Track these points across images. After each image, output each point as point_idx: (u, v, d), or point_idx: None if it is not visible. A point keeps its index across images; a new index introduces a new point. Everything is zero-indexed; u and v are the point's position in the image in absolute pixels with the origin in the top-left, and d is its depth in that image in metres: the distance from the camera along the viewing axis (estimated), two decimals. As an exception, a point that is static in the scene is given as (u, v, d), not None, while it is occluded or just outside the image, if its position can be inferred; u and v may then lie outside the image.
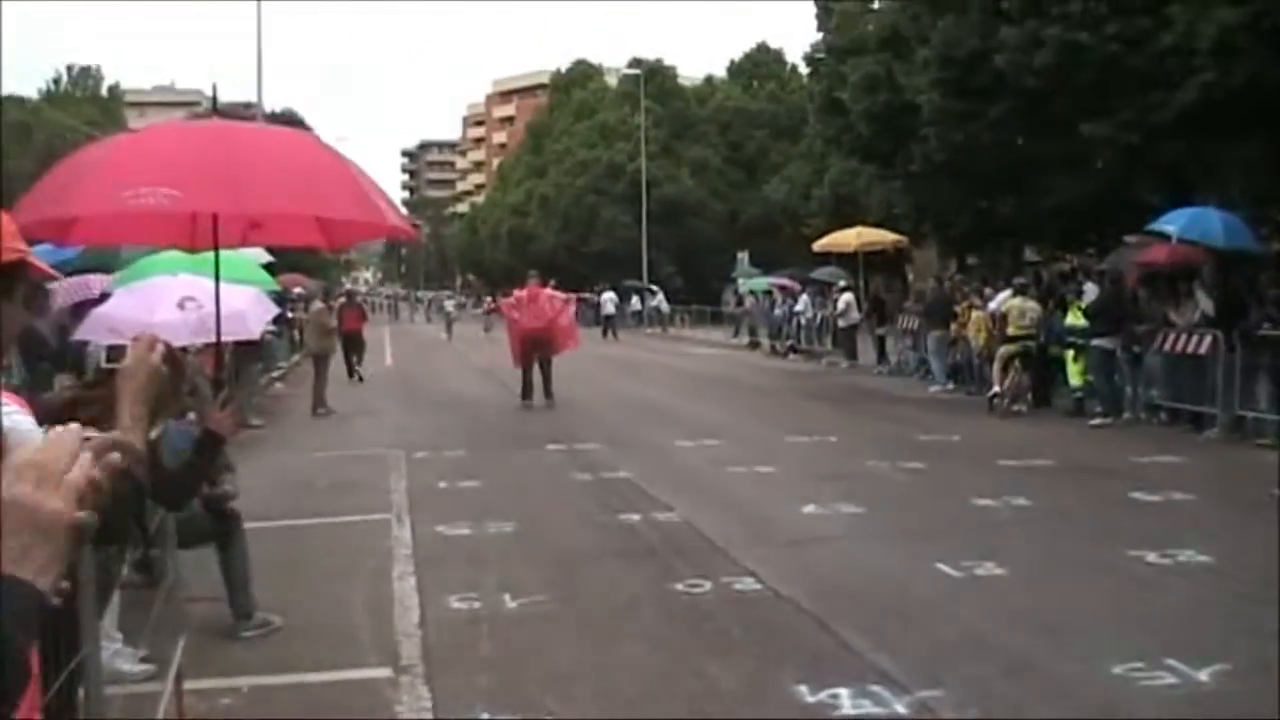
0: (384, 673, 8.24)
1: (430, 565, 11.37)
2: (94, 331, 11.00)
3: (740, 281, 58.36)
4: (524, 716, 7.29)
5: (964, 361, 28.85)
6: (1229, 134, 24.25)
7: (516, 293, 27.07)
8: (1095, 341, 22.53)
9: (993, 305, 26.69)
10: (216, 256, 7.56)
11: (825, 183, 57.16)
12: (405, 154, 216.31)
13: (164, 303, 10.98)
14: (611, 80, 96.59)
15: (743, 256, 65.14)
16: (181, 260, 10.82)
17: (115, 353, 3.75)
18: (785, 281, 47.83)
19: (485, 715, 7.33)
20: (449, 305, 70.98)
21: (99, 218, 6.94)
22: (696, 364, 40.56)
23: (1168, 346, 21.40)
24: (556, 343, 26.00)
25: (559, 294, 28.39)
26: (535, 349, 25.66)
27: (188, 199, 6.53)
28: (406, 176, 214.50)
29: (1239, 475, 16.73)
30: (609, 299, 63.81)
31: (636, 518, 13.53)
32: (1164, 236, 23.59)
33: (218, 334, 7.60)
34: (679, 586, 10.38)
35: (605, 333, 57.94)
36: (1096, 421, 21.91)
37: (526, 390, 25.80)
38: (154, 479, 3.68)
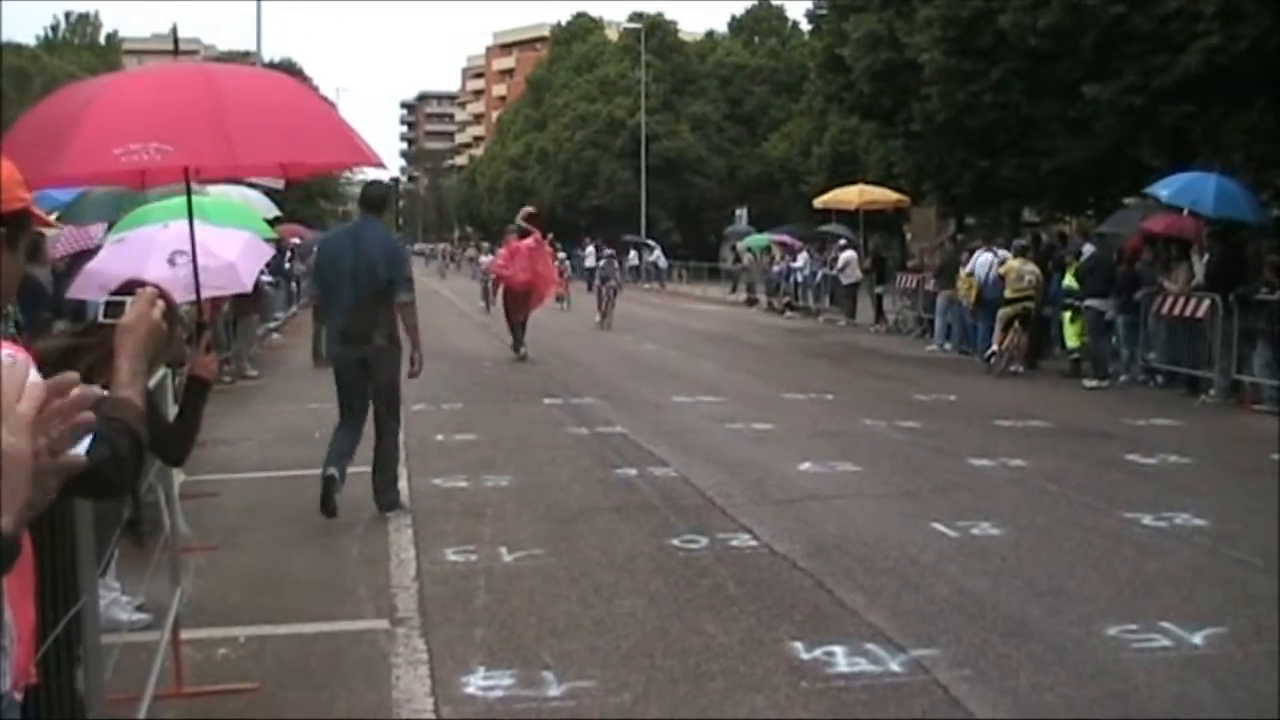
0: (380, 624, 8.25)
1: (427, 518, 11.37)
2: (86, 290, 10.91)
3: (738, 242, 58.38)
4: (520, 669, 7.30)
5: (955, 321, 28.94)
6: (1232, 99, 24.20)
7: (500, 252, 27.32)
8: (1088, 303, 22.54)
9: (974, 267, 26.76)
10: (190, 209, 7.58)
11: (825, 140, 57.14)
12: (404, 105, 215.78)
13: (154, 258, 10.88)
14: (612, 34, 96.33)
15: (740, 214, 65.22)
16: (172, 208, 10.76)
17: (112, 309, 3.71)
18: (785, 238, 47.76)
19: (481, 668, 7.33)
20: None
21: (87, 175, 6.88)
22: (694, 320, 40.56)
23: (1165, 310, 21.40)
24: (537, 293, 26.13)
25: (534, 244, 28.30)
26: (520, 302, 25.70)
27: (179, 153, 6.49)
28: (405, 128, 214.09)
29: (1235, 439, 16.75)
30: (590, 253, 64.22)
31: (633, 473, 13.54)
32: (1162, 203, 23.59)
33: (196, 281, 7.53)
34: (675, 542, 10.38)
35: (590, 287, 58.22)
36: (1090, 383, 21.94)
37: (517, 344, 25.86)
38: (151, 433, 3.65)
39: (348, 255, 11.52)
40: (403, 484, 12.80)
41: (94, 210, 14.16)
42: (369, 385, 11.50)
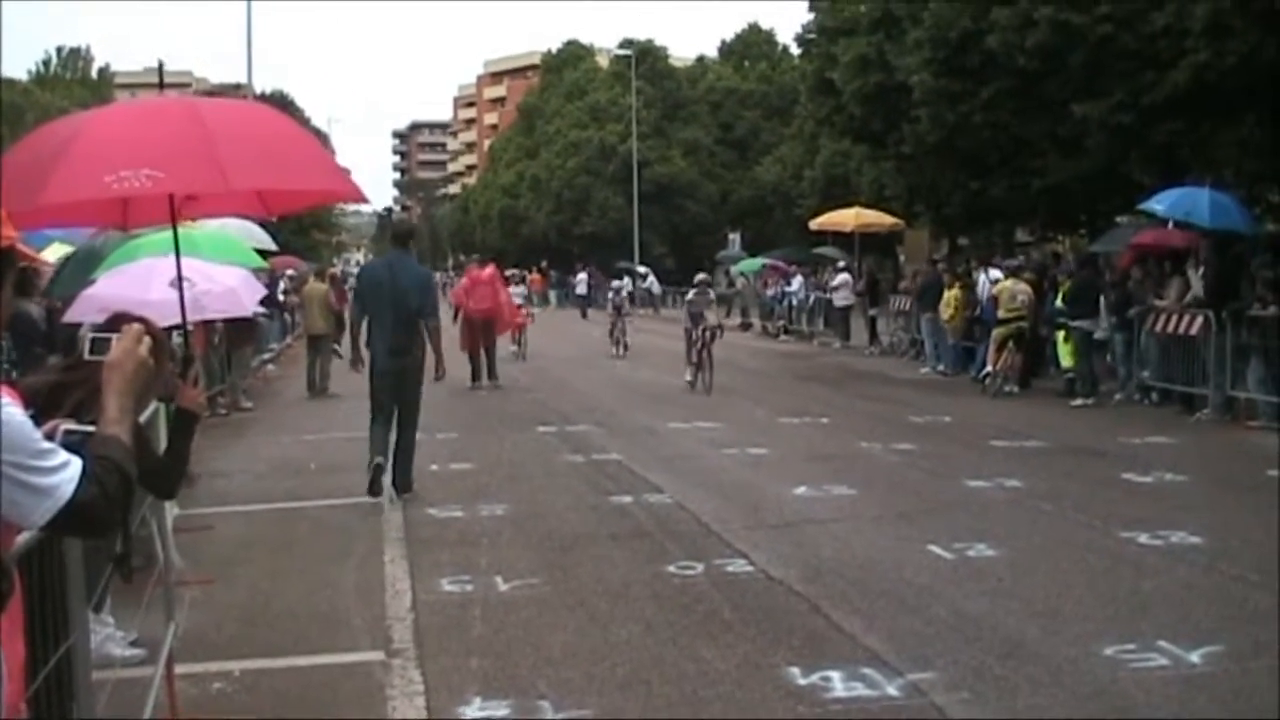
0: (376, 656, 8.23)
1: (422, 548, 11.36)
2: (84, 313, 10.95)
3: (731, 267, 58.61)
4: (516, 699, 7.28)
5: (941, 342, 29.13)
6: (1222, 114, 24.25)
7: (461, 281, 27.47)
8: (1074, 323, 22.61)
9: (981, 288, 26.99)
10: (175, 235, 7.58)
11: (817, 163, 57.20)
12: (396, 135, 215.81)
13: (157, 282, 10.95)
14: (603, 61, 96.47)
15: (734, 238, 65.29)
16: (164, 241, 10.78)
17: (98, 345, 3.70)
18: (778, 263, 47.88)
19: (477, 698, 7.32)
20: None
21: (72, 204, 6.87)
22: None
23: (1159, 328, 21.42)
24: (501, 323, 26.39)
25: (498, 273, 28.62)
26: (481, 332, 25.76)
27: (170, 179, 6.49)
28: (398, 158, 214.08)
29: (1231, 456, 16.74)
30: (581, 280, 65.04)
31: (628, 499, 13.54)
32: (1156, 217, 23.72)
33: (182, 309, 7.56)
34: (671, 569, 10.38)
35: (584, 314, 59.40)
36: (1077, 402, 21.98)
37: (475, 373, 25.92)
38: (142, 467, 3.65)
39: (386, 284, 13.78)
40: (397, 515, 12.82)
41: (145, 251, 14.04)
42: (401, 390, 13.72)
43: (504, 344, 24.56)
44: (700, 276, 28.17)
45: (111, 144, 6.57)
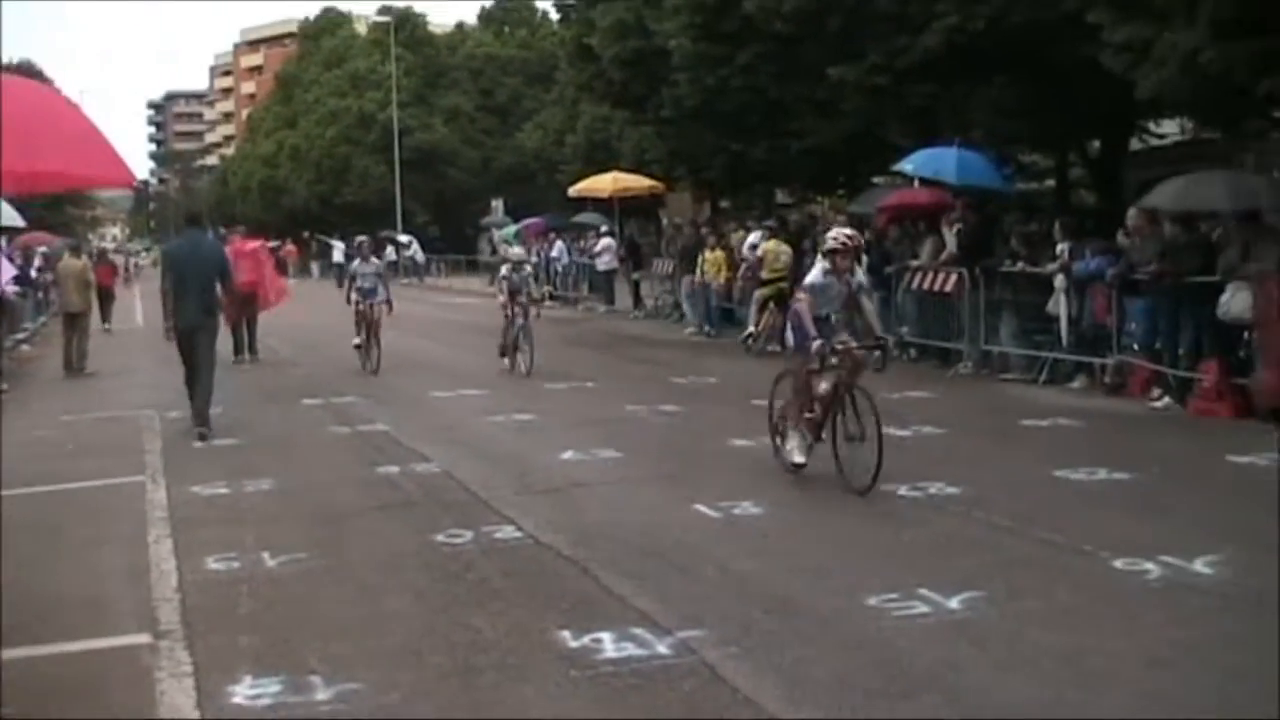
0: (143, 639, 8.02)
1: (187, 527, 11.09)
2: None
3: (495, 232, 58.46)
4: (288, 675, 7.19)
5: (701, 303, 29.63)
6: (973, 77, 24.81)
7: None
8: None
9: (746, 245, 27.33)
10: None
11: (578, 129, 57.25)
12: (151, 105, 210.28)
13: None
14: (361, 28, 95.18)
15: (497, 204, 65.05)
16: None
17: None
18: (533, 221, 48.04)
19: (248, 676, 7.20)
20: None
21: None
22: (453, 313, 40.41)
23: (915, 285, 21.95)
24: (263, 298, 25.84)
25: (261, 245, 28.22)
26: (243, 305, 25.20)
27: None
28: (154, 129, 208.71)
29: (986, 409, 17.28)
30: (339, 248, 64.22)
31: (395, 470, 13.43)
32: (907, 178, 24.35)
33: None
34: (440, 538, 10.32)
35: (341, 284, 58.58)
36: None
37: (238, 346, 25.41)
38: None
39: (189, 259, 16.65)
40: (160, 493, 12.54)
41: None
42: (203, 342, 16.41)
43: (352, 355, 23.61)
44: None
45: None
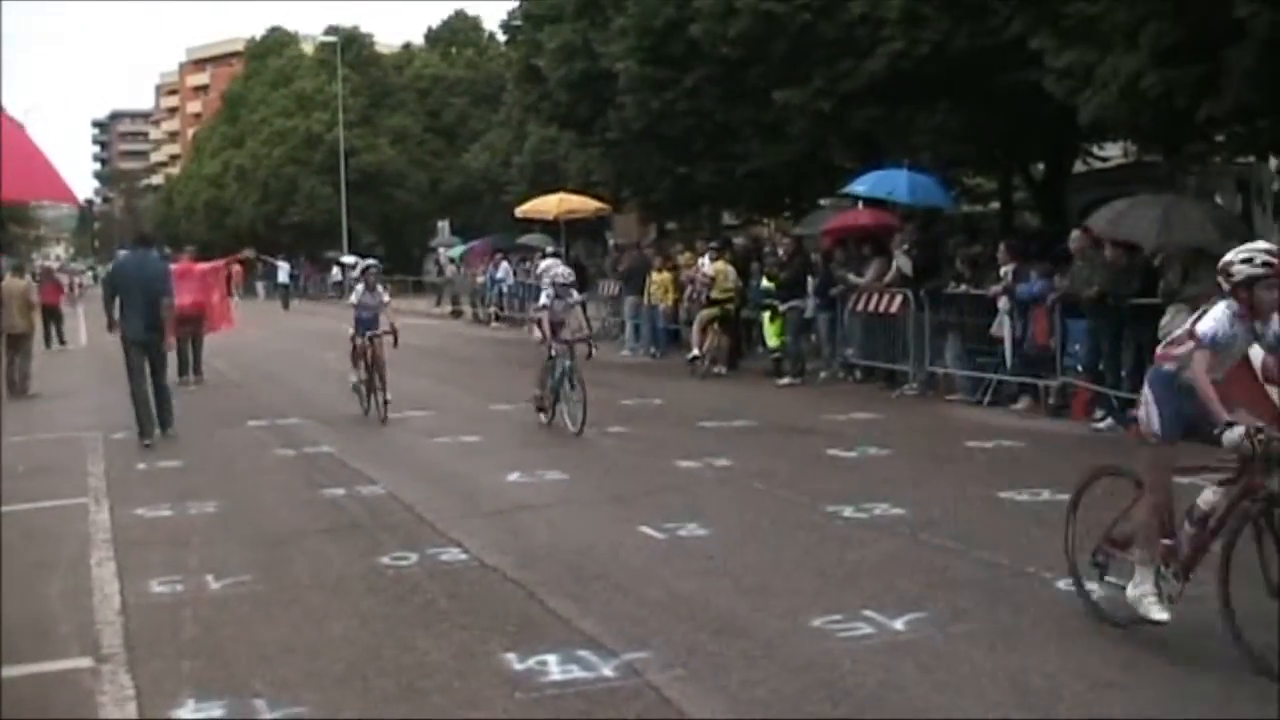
0: (84, 663, 7.95)
1: (130, 549, 11.02)
2: None
3: (441, 251, 58.38)
4: (231, 699, 7.14)
5: (645, 325, 29.69)
6: (917, 101, 24.96)
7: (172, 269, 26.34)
8: (791, 304, 23.14)
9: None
10: None
11: (525, 150, 57.21)
12: (96, 124, 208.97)
13: None
14: (308, 48, 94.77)
15: (443, 225, 64.99)
16: None
17: None
18: (476, 244, 48.02)
19: (191, 700, 7.15)
20: None
21: None
22: (400, 334, 40.19)
23: (860, 307, 22.05)
24: (210, 321, 25.68)
25: (210, 266, 28.00)
26: (189, 326, 25.01)
27: None
28: (98, 148, 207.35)
29: (931, 429, 17.37)
30: (283, 269, 64.29)
31: (341, 492, 13.38)
32: (856, 200, 24.49)
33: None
34: (385, 560, 10.29)
35: (286, 305, 60.25)
36: (784, 381, 22.53)
37: (183, 367, 25.19)
38: None
39: (135, 275, 18.00)
40: (103, 515, 12.44)
41: None
42: (152, 351, 17.70)
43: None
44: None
45: None
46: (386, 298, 20.18)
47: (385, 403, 19.03)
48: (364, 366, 19.61)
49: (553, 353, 17.76)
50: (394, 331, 19.52)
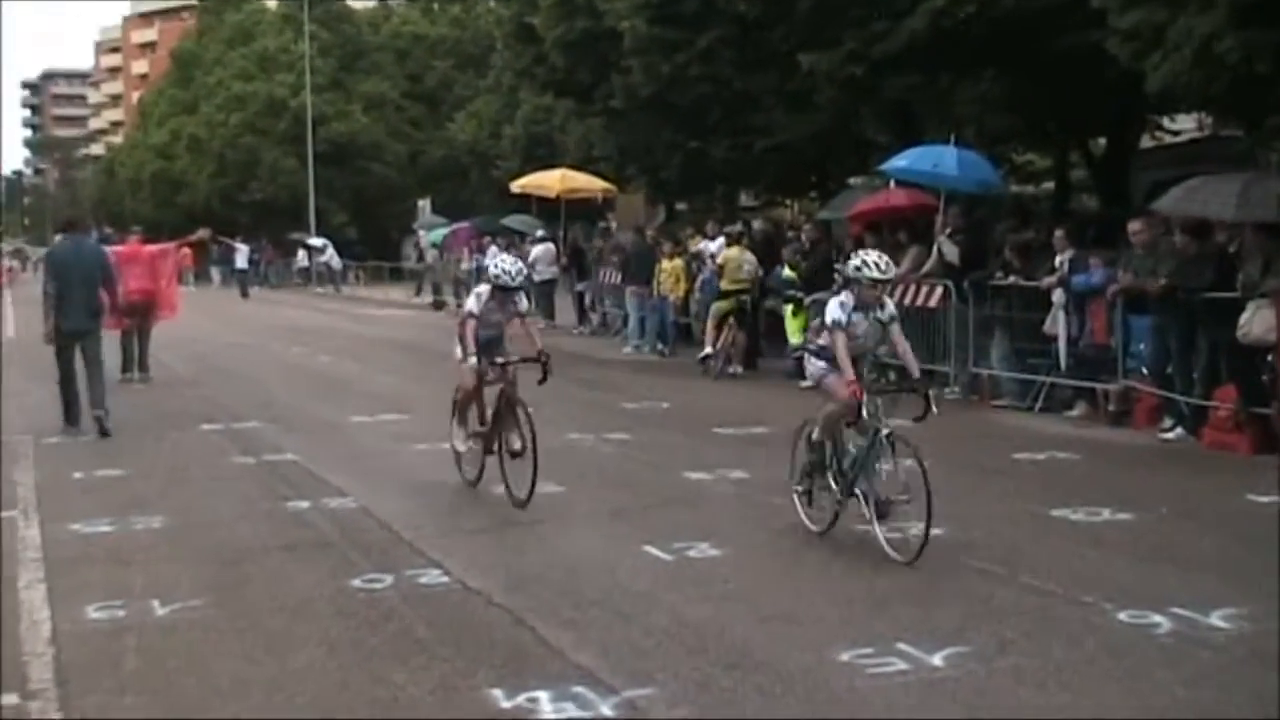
0: (10, 699, 7.91)
1: (64, 570, 10.98)
2: None
3: (421, 234, 58.20)
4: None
5: (651, 319, 29.59)
6: (960, 67, 24.90)
7: (115, 250, 26.07)
8: (814, 296, 23.04)
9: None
10: None
11: (517, 120, 57.20)
12: (26, 86, 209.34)
13: None
14: (271, 2, 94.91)
15: (424, 204, 64.84)
16: None
17: None
18: (461, 226, 47.97)
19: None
20: None
21: None
22: (374, 327, 40.33)
23: (895, 299, 21.94)
24: (159, 309, 25.60)
25: (160, 249, 27.90)
26: (137, 315, 24.90)
27: None
28: (29, 112, 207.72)
29: (974, 438, 17.26)
30: (243, 252, 64.30)
31: (306, 505, 13.36)
32: (889, 180, 24.36)
33: None
34: (356, 582, 10.26)
35: (244, 293, 60.48)
36: (807, 383, 22.45)
37: (127, 363, 25.14)
38: None
39: (73, 263, 18.75)
40: (33, 531, 12.41)
41: None
42: (88, 340, 18.52)
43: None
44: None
45: None
46: (524, 304, 14.41)
47: (534, 474, 12.96)
48: (478, 414, 14.19)
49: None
50: (543, 358, 13.86)
